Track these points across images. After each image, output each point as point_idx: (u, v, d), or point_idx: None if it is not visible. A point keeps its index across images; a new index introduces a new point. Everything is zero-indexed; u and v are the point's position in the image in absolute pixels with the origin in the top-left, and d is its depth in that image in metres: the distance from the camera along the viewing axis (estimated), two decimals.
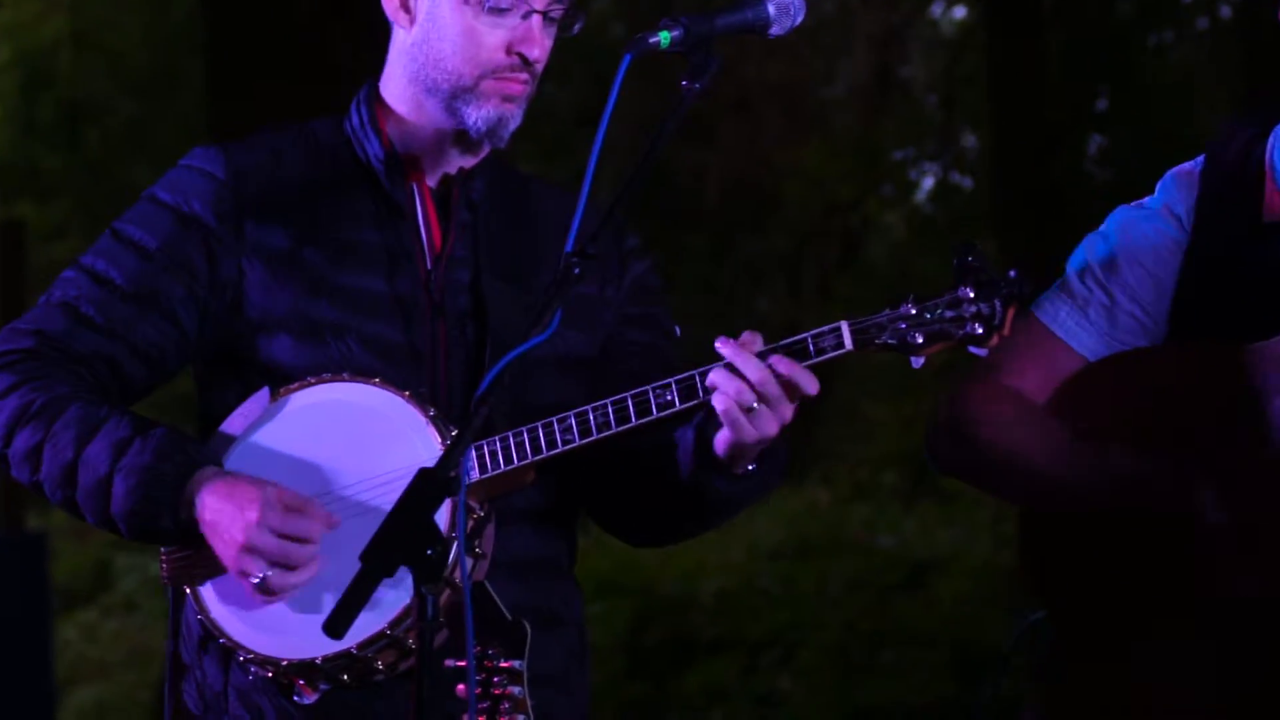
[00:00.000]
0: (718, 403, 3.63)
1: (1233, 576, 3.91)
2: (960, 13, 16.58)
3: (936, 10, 17.64)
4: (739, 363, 3.61)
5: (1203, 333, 4.06)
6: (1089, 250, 4.16)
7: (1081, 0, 11.35)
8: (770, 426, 3.65)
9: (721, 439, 3.71)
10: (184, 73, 15.11)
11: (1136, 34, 11.57)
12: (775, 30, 3.76)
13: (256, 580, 3.72)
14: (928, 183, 15.74)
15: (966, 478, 4.34)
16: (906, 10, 17.50)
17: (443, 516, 3.48)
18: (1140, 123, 11.47)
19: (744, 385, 3.61)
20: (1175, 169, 4.18)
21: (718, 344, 3.64)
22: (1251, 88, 3.72)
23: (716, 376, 3.62)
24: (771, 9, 3.73)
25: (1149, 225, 4.15)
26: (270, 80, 10.14)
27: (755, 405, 3.61)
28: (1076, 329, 4.08)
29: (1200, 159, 4.16)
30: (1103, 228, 4.18)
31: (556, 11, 3.89)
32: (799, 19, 3.77)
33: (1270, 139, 4.09)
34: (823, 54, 17.67)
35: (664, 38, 3.64)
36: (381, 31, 4.02)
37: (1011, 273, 3.60)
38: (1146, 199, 4.18)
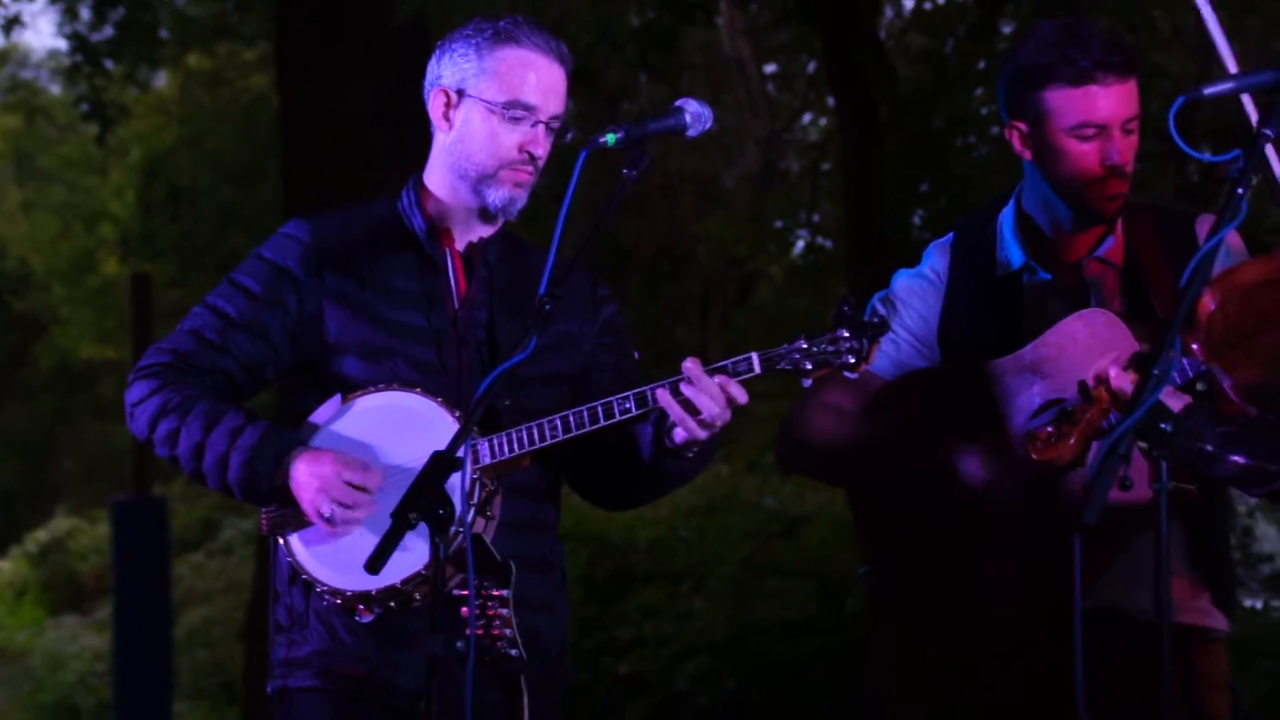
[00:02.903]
0: (674, 409, 3.66)
1: (992, 528, 3.94)
2: (823, 121, 16.62)
3: (806, 119, 17.65)
4: (701, 382, 3.64)
5: (960, 356, 4.09)
6: (881, 302, 4.20)
7: (908, 113, 11.32)
8: (711, 426, 3.69)
9: (677, 433, 3.73)
10: (266, 167, 15.06)
11: (948, 137, 11.55)
12: (691, 133, 3.76)
13: (327, 514, 3.74)
14: (800, 244, 15.72)
15: (804, 472, 4.37)
16: (784, 119, 17.51)
17: (455, 486, 3.49)
18: (951, 201, 11.47)
19: (708, 399, 3.64)
20: (935, 241, 4.23)
21: (685, 366, 3.66)
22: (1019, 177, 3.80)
23: (688, 390, 3.64)
24: (688, 118, 3.74)
25: (918, 281, 4.20)
26: (330, 173, 10.11)
27: (707, 413, 3.65)
28: (875, 358, 4.11)
29: (952, 234, 4.20)
30: (889, 288, 4.22)
31: (555, 124, 3.90)
32: (708, 125, 3.77)
33: (999, 218, 4.13)
34: (725, 151, 17.68)
35: (610, 138, 3.66)
36: (412, 138, 4.01)
37: (873, 317, 3.64)
38: (918, 266, 4.22)
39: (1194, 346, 3.49)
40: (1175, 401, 3.50)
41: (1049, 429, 3.82)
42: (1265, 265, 3.47)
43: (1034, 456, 3.81)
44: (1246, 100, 3.58)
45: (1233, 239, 3.95)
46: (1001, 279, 4.10)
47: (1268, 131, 3.19)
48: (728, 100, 17.18)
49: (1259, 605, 13.02)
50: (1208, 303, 3.46)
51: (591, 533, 13.33)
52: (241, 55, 17.65)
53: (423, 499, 3.38)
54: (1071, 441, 3.78)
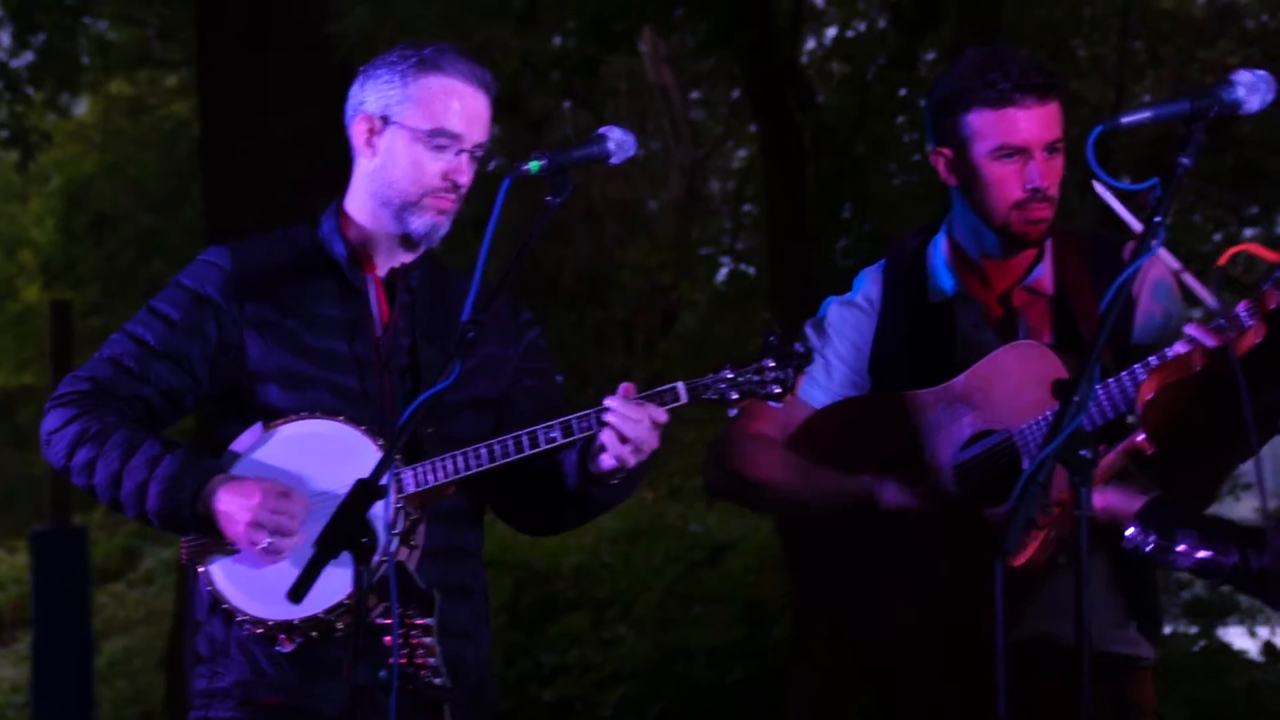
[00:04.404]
0: (607, 436, 3.67)
1: (917, 556, 3.95)
2: (741, 153, 16.65)
3: (732, 144, 17.68)
4: (626, 409, 3.65)
5: (891, 384, 4.10)
6: (813, 329, 4.21)
7: (830, 140, 11.37)
8: (641, 454, 3.69)
9: (604, 461, 3.73)
10: (188, 193, 14.96)
11: (870, 164, 11.60)
12: (614, 160, 3.75)
13: (263, 545, 3.71)
14: (724, 270, 15.75)
15: (731, 498, 4.37)
16: (708, 146, 17.54)
17: (379, 514, 3.47)
18: (873, 227, 11.52)
19: (633, 423, 3.64)
20: (867, 268, 4.24)
21: (620, 391, 3.67)
22: (947, 203, 3.76)
23: (613, 417, 3.65)
24: (611, 145, 3.74)
25: (849, 309, 4.20)
26: (252, 199, 10.07)
27: (634, 439, 3.66)
28: (804, 386, 4.11)
29: (883, 261, 4.21)
30: (819, 314, 4.23)
31: (479, 152, 3.90)
32: (631, 152, 3.76)
33: (930, 246, 4.15)
34: (649, 178, 17.69)
35: (534, 166, 3.65)
36: (334, 164, 4.00)
37: (799, 347, 3.66)
38: (848, 293, 4.23)
39: (1139, 438, 3.57)
40: (1135, 501, 3.53)
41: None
42: (1182, 364, 3.54)
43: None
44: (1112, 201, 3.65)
45: (1162, 271, 3.98)
46: (933, 307, 4.11)
47: (1184, 160, 3.22)
48: (651, 127, 17.21)
49: (1180, 631, 13.13)
50: (1144, 392, 3.54)
51: (516, 559, 13.30)
52: (163, 81, 17.55)
53: (346, 528, 3.36)
54: (1036, 545, 3.78)
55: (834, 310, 4.22)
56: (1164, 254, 3.57)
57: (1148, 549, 3.44)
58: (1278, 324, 3.34)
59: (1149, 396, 3.55)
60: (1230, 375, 3.36)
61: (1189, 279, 3.65)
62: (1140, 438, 3.60)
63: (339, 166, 4.02)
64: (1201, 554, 3.38)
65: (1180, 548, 3.40)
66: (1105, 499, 3.55)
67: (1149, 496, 3.48)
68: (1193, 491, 3.68)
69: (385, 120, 3.88)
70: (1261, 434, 3.47)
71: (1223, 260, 3.78)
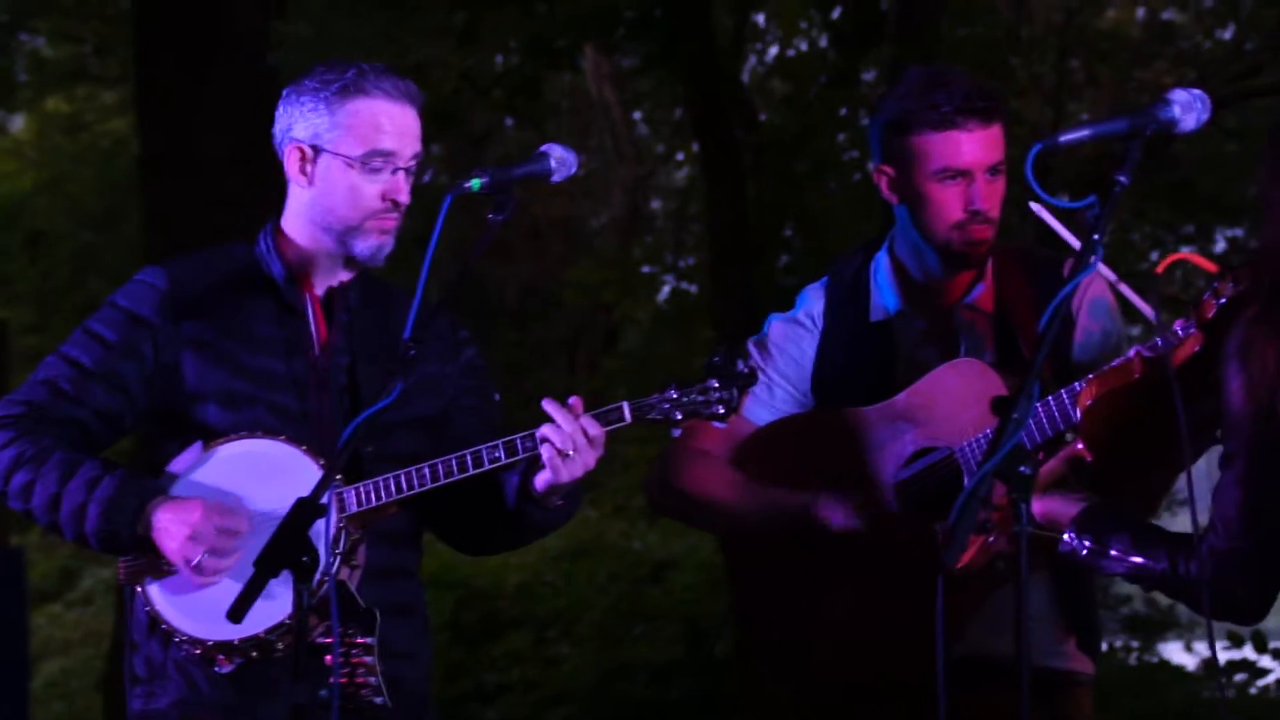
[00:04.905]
0: (545, 450, 3.65)
1: (858, 573, 3.96)
2: (683, 172, 16.69)
3: (673, 161, 17.71)
4: (563, 421, 3.64)
5: (834, 401, 4.11)
6: (755, 346, 4.21)
7: (772, 158, 11.41)
8: (578, 470, 3.68)
9: (541, 479, 3.73)
10: (126, 211, 14.87)
11: (811, 182, 11.66)
12: (556, 178, 3.74)
13: (196, 562, 3.68)
14: (666, 289, 15.78)
15: (674, 515, 4.37)
16: (650, 165, 17.56)
17: (319, 533, 3.44)
18: (814, 244, 11.57)
19: (567, 436, 3.63)
20: (809, 285, 4.25)
21: (570, 403, 3.66)
22: (886, 220, 3.78)
23: (548, 430, 3.64)
24: (553, 162, 3.73)
25: (792, 327, 4.21)
26: (190, 217, 10.03)
27: (571, 453, 3.64)
28: (747, 404, 4.12)
29: (826, 278, 4.22)
30: (762, 331, 4.24)
31: (413, 166, 3.88)
32: (573, 169, 3.75)
33: (872, 263, 4.16)
34: (591, 196, 17.70)
35: (475, 184, 3.63)
36: (272, 182, 3.98)
37: (743, 367, 3.67)
38: (791, 310, 4.24)
39: (1078, 446, 3.58)
40: (1072, 506, 3.54)
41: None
42: (1121, 371, 3.56)
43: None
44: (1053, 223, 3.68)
45: (1101, 289, 4.00)
46: (876, 325, 4.12)
47: (1121, 179, 3.23)
48: (594, 145, 17.22)
49: (1118, 646, 13.20)
50: (1084, 399, 3.56)
51: (458, 578, 13.27)
52: (101, 99, 17.45)
53: (287, 547, 3.34)
54: (975, 549, 3.79)
55: (776, 327, 4.23)
56: (1101, 267, 3.59)
57: (1082, 554, 3.46)
58: (1215, 334, 3.36)
59: (1087, 404, 3.57)
60: (1169, 382, 3.38)
61: (1126, 291, 3.68)
62: (1079, 445, 3.61)
63: (279, 185, 3.99)
64: (1134, 559, 3.40)
65: (1113, 552, 3.42)
66: (1044, 505, 3.57)
67: (1085, 503, 3.50)
68: (1134, 503, 3.70)
69: (316, 149, 3.85)
70: (1197, 445, 3.49)
71: (1161, 269, 3.81)
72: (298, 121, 3.87)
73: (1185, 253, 3.78)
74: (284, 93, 3.92)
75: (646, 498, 4.32)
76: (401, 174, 3.85)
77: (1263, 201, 3.27)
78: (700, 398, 3.66)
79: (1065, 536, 3.47)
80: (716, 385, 3.66)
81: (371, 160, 3.83)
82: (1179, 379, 3.33)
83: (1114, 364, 3.66)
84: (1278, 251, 3.20)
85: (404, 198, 3.86)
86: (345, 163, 3.83)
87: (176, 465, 3.81)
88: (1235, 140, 11.93)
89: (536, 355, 17.51)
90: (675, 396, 3.67)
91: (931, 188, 3.97)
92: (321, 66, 3.90)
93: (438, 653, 4.02)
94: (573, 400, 3.67)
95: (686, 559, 13.42)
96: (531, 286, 17.34)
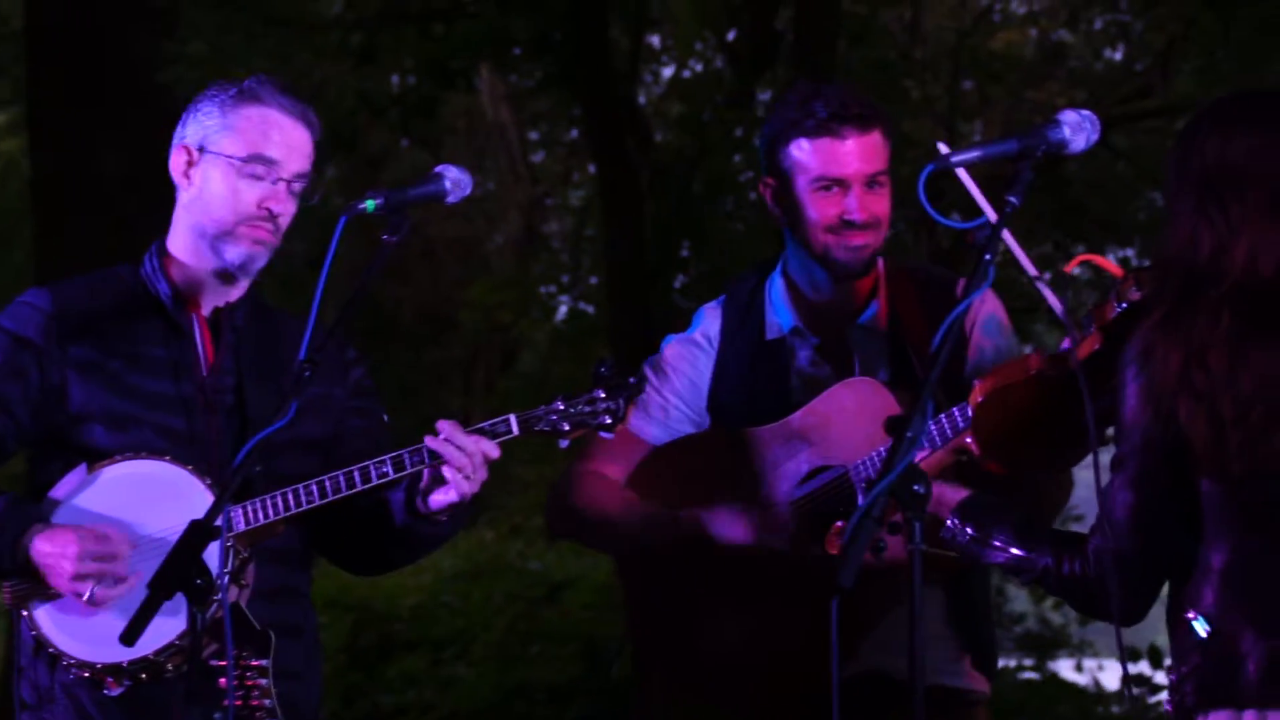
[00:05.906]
0: (446, 470, 3.64)
1: (752, 592, 3.96)
2: (579, 193, 16.70)
3: (570, 182, 17.72)
4: (457, 440, 3.62)
5: (730, 420, 4.11)
6: (651, 367, 4.21)
7: (668, 179, 11.45)
8: (471, 486, 3.66)
9: (432, 498, 3.72)
10: (18, 233, 14.72)
11: (707, 203, 11.69)
12: (451, 199, 3.72)
13: (87, 596, 3.65)
14: (563, 309, 15.77)
15: (572, 537, 4.37)
16: (547, 185, 17.56)
17: (213, 555, 3.41)
18: (710, 265, 11.60)
19: (463, 455, 3.61)
20: (705, 305, 4.26)
21: (440, 426, 3.64)
22: (782, 240, 3.78)
23: (441, 448, 3.62)
24: (448, 184, 3.70)
25: (687, 347, 4.22)
26: (83, 239, 9.95)
27: (469, 472, 3.63)
28: (642, 425, 4.12)
29: (723, 297, 4.23)
30: (658, 351, 4.23)
31: (298, 184, 3.86)
32: (468, 191, 3.73)
33: (767, 283, 4.17)
34: (487, 217, 17.67)
35: (370, 205, 3.61)
36: (167, 204, 3.95)
37: (631, 379, 3.66)
38: (687, 330, 4.24)
39: (968, 440, 3.59)
40: (958, 493, 3.54)
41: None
42: (1017, 367, 3.56)
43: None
44: (965, 178, 3.67)
45: (994, 307, 4.02)
46: (770, 344, 4.13)
47: (1013, 199, 3.25)
48: (490, 166, 17.20)
49: (1012, 664, 13.30)
50: (976, 395, 3.56)
51: (355, 599, 13.20)
52: None
53: (180, 569, 3.31)
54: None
55: (672, 348, 4.22)
56: (1024, 261, 3.59)
57: (963, 540, 3.46)
58: (1114, 336, 3.38)
59: (979, 400, 3.57)
60: (1063, 382, 3.39)
61: (1040, 285, 3.68)
62: (968, 439, 3.62)
63: (172, 206, 3.96)
64: (1016, 551, 3.41)
65: (995, 543, 3.43)
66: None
67: (970, 491, 3.50)
68: (1023, 501, 3.71)
69: (202, 150, 3.84)
70: (1087, 446, 3.51)
71: (1069, 267, 3.83)
72: (191, 125, 3.87)
73: (1093, 255, 3.81)
74: (187, 106, 3.90)
75: (547, 522, 4.31)
76: (283, 186, 3.82)
77: (1169, 210, 3.29)
78: (587, 408, 3.66)
79: (948, 521, 3.47)
80: (603, 395, 3.65)
81: (254, 164, 3.81)
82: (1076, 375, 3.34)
83: (1010, 361, 3.67)
84: (1183, 259, 3.22)
85: (280, 209, 3.82)
86: (228, 163, 3.81)
87: (60, 489, 3.77)
88: (1125, 161, 12.07)
89: (433, 376, 17.45)
90: (562, 408, 3.66)
91: (809, 197, 3.99)
92: (228, 80, 3.89)
93: (335, 675, 3.99)
94: (444, 423, 3.65)
95: (584, 579, 13.41)
96: (427, 307, 17.29)
